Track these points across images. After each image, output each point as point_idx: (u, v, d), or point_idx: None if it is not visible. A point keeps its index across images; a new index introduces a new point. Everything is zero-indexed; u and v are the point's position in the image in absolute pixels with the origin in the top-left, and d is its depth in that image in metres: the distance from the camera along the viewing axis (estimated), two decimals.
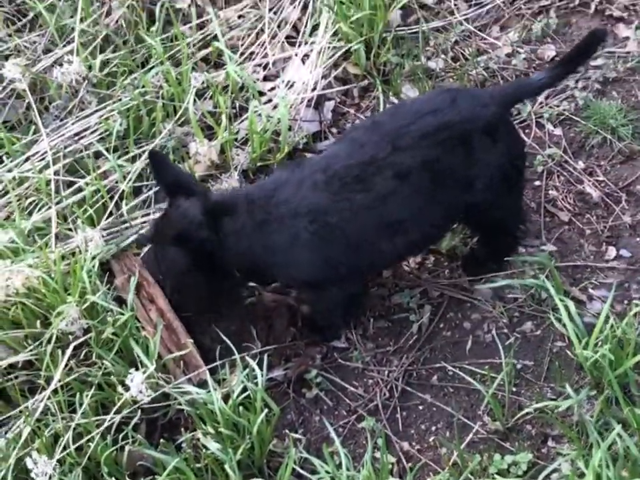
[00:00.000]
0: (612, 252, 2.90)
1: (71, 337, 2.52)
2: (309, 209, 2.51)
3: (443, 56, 3.51)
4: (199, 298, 2.72)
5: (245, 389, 2.43)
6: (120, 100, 3.17)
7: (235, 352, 2.51)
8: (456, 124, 2.53)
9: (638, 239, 2.94)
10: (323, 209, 2.50)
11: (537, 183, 3.10)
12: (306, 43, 3.48)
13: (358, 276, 2.70)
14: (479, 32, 3.61)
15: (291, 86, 3.37)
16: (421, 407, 2.62)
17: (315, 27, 3.51)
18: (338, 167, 2.52)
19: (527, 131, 3.24)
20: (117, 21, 3.47)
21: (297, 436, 2.52)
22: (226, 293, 2.75)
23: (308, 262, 2.57)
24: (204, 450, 2.36)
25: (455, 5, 3.65)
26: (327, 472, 2.31)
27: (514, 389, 2.61)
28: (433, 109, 2.55)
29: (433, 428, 2.57)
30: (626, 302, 2.76)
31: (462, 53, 3.53)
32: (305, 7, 3.56)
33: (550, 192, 3.09)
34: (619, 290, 2.79)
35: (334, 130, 3.36)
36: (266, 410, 2.40)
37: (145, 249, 2.83)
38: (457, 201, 2.61)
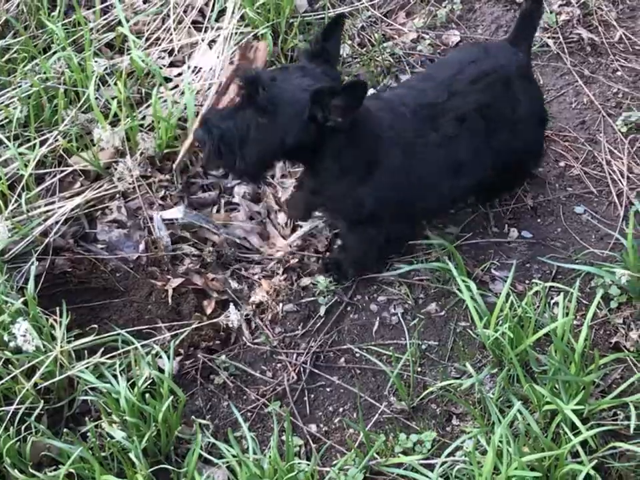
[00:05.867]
0: (514, 233, 2.97)
1: None
2: (400, 134, 2.58)
3: (349, 42, 3.53)
4: None
5: (150, 377, 2.41)
6: (20, 86, 3.10)
7: (134, 341, 2.49)
8: (497, 70, 2.69)
9: (539, 220, 3.01)
10: (410, 138, 2.59)
11: None
12: (212, 28, 3.46)
13: (404, 217, 2.74)
14: (385, 18, 3.65)
15: (198, 72, 3.34)
16: (328, 389, 2.64)
17: (222, 12, 3.49)
18: (412, 104, 2.61)
19: None
20: (17, 6, 3.40)
21: (204, 422, 2.51)
22: None
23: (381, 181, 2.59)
24: (109, 439, 2.34)
25: None
26: (234, 456, 2.31)
27: (419, 369, 2.65)
28: (472, 60, 2.71)
29: (340, 409, 2.60)
30: (527, 282, 2.82)
31: (368, 39, 3.55)
32: None
33: None
34: (521, 270, 2.86)
35: None
36: (172, 397, 2.39)
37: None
38: (505, 147, 2.72)
